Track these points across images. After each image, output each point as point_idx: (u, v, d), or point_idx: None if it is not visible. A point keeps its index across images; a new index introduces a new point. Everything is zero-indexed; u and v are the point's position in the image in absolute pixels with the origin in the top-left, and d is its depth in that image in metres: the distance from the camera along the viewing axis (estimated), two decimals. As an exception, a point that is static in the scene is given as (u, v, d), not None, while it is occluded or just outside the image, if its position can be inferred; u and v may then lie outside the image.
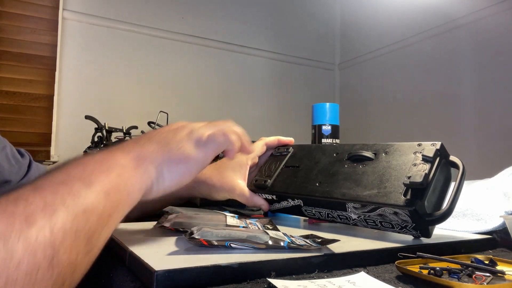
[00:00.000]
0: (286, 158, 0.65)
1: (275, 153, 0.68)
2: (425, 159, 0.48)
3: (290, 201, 0.60)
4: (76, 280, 0.28)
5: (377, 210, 0.49)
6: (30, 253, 0.24)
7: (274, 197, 0.62)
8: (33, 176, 0.63)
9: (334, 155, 0.59)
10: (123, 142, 0.41)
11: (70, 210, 0.28)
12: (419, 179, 0.46)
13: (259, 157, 0.68)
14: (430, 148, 0.50)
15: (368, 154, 0.55)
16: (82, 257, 0.29)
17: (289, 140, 0.68)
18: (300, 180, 0.59)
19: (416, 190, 0.47)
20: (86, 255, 0.29)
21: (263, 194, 0.63)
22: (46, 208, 0.27)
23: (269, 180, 0.63)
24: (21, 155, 0.65)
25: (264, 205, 0.63)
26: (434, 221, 0.47)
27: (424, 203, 0.47)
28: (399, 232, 0.49)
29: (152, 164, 0.39)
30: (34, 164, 0.66)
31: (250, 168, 0.66)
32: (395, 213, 0.48)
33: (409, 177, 0.47)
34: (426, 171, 0.47)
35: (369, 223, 0.51)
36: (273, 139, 0.68)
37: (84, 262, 0.29)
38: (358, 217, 0.52)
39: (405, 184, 0.47)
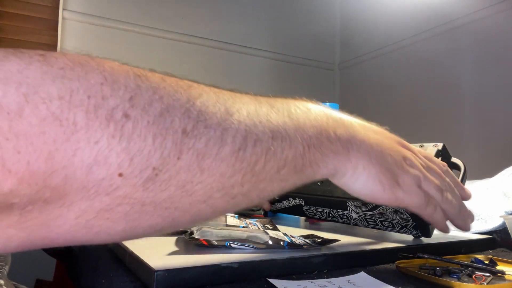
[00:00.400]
0: None
1: None
2: None
3: (291, 200, 0.60)
4: (254, 198, 0.28)
5: (378, 209, 0.49)
6: (219, 128, 0.25)
7: (275, 196, 0.62)
8: None
9: None
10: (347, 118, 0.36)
11: (272, 130, 0.28)
12: None
13: None
14: (432, 149, 0.50)
15: None
16: (265, 185, 0.28)
17: None
18: None
19: None
20: (264, 189, 0.28)
21: None
22: (248, 118, 0.27)
23: None
24: None
25: (266, 205, 0.63)
26: None
27: None
28: (399, 232, 0.49)
29: (361, 160, 0.33)
30: None
31: None
32: (396, 211, 0.48)
33: None
34: None
35: (369, 222, 0.51)
36: None
37: (260, 192, 0.28)
38: (358, 216, 0.52)
39: None
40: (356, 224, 0.54)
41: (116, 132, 0.21)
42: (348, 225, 0.59)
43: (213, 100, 0.26)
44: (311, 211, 0.58)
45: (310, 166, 0.30)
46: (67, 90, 0.20)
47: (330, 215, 0.56)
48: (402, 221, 0.48)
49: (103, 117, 0.20)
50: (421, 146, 0.51)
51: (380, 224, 0.50)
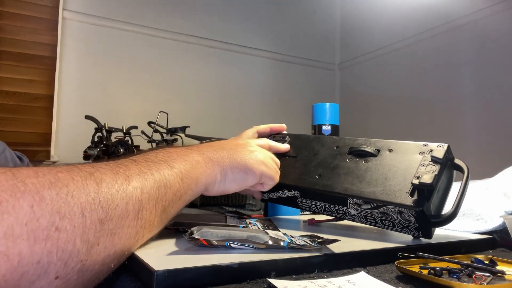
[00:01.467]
0: None
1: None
2: (435, 160, 0.48)
3: (286, 192, 0.58)
4: (146, 239, 0.36)
5: (381, 208, 0.48)
6: (124, 202, 0.31)
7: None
8: None
9: (335, 148, 0.58)
10: (200, 144, 0.51)
11: (156, 181, 0.36)
12: (429, 180, 0.45)
13: None
14: (439, 149, 0.49)
15: (371, 150, 0.54)
16: (158, 221, 0.36)
17: (281, 126, 0.68)
18: (298, 171, 0.58)
19: (424, 191, 0.46)
20: (159, 222, 0.37)
21: None
22: (140, 175, 0.34)
23: None
24: (20, 159, 0.65)
25: (257, 194, 0.61)
26: (439, 223, 0.47)
27: (430, 204, 0.47)
28: (399, 231, 0.49)
29: (219, 166, 0.48)
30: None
31: None
32: (400, 213, 0.47)
33: (418, 177, 0.46)
34: (436, 173, 0.46)
35: (368, 219, 0.51)
36: (264, 127, 0.67)
37: (157, 226, 0.37)
38: (357, 213, 0.51)
39: (413, 184, 0.46)
40: (353, 220, 0.52)
41: (52, 247, 0.25)
42: (348, 226, 0.58)
43: (110, 177, 0.32)
44: (305, 203, 0.57)
45: (187, 192, 0.42)
46: (8, 226, 0.23)
47: (327, 209, 0.54)
48: (405, 221, 0.47)
49: (41, 239, 0.24)
50: (425, 145, 0.51)
51: (380, 222, 0.50)
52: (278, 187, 0.58)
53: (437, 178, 0.46)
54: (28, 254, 0.24)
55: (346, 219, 0.54)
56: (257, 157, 0.52)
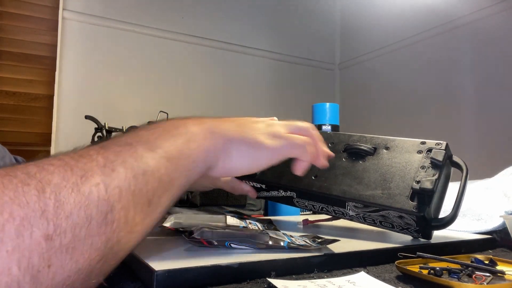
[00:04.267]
0: None
1: None
2: (435, 164, 0.47)
3: (281, 192, 0.57)
4: (133, 241, 0.28)
5: (381, 212, 0.48)
6: (81, 207, 0.24)
7: (263, 186, 0.57)
8: None
9: (329, 145, 0.56)
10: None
11: (129, 171, 0.28)
12: (430, 185, 0.45)
13: None
14: (439, 151, 0.48)
15: (367, 148, 0.53)
16: (141, 218, 0.28)
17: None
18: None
19: (424, 196, 0.45)
20: (145, 217, 0.29)
21: (250, 182, 0.58)
22: (106, 166, 0.27)
23: None
24: (18, 163, 0.65)
25: (251, 192, 0.59)
26: (439, 226, 0.47)
27: (431, 209, 0.47)
28: (398, 232, 0.49)
29: (223, 138, 0.38)
30: None
31: None
32: (400, 217, 0.47)
33: (418, 182, 0.46)
34: (436, 177, 0.46)
35: (367, 220, 0.51)
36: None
37: (144, 223, 0.29)
38: (356, 215, 0.51)
39: (414, 189, 0.46)
40: (351, 219, 0.52)
41: None
42: (348, 226, 0.58)
43: (61, 177, 0.24)
44: (302, 203, 0.56)
45: (181, 176, 0.33)
46: None
47: (324, 209, 0.54)
48: (405, 224, 0.47)
49: None
50: (422, 143, 0.50)
51: (379, 223, 0.50)
52: (273, 187, 0.57)
53: (437, 182, 0.46)
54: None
55: (344, 219, 0.54)
56: (273, 129, 0.43)
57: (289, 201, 0.57)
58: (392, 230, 0.50)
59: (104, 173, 0.26)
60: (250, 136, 0.41)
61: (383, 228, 0.50)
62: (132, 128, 0.33)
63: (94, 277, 0.25)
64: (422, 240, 0.48)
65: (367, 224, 0.51)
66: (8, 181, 0.22)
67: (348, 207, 0.51)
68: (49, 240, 0.22)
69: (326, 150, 0.47)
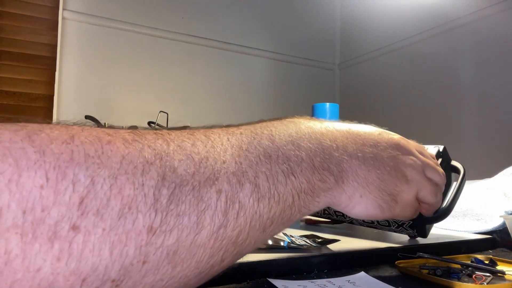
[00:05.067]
0: None
1: None
2: None
3: None
4: (231, 264, 0.24)
5: None
6: (195, 210, 0.21)
7: None
8: None
9: None
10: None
11: (257, 191, 0.24)
12: None
13: None
14: (432, 149, 0.49)
15: None
16: (252, 244, 0.24)
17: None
18: None
19: None
20: (254, 244, 0.24)
21: None
22: (235, 175, 0.23)
23: None
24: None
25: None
26: (431, 220, 0.47)
27: None
28: (395, 231, 0.49)
29: (351, 182, 0.30)
30: None
31: None
32: None
33: None
34: None
35: (365, 220, 0.51)
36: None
37: (250, 248, 0.25)
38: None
39: None
40: (351, 222, 0.53)
41: (62, 253, 0.17)
42: (348, 226, 0.58)
43: (185, 168, 0.21)
44: None
45: (299, 212, 0.27)
46: None
47: (326, 211, 0.55)
48: (400, 220, 0.48)
49: (44, 238, 0.17)
50: None
51: (376, 222, 0.51)
52: None
53: None
54: (20, 256, 0.16)
55: (345, 222, 0.54)
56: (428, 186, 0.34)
57: None
58: (388, 230, 0.50)
59: (230, 183, 0.22)
60: (390, 194, 0.31)
61: (380, 228, 0.51)
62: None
63: None
64: (422, 240, 0.48)
65: (366, 226, 0.52)
66: (131, 152, 0.20)
67: None
68: (152, 234, 0.19)
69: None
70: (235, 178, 0.23)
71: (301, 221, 0.66)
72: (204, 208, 0.21)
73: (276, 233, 0.27)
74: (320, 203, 0.28)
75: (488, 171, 0.80)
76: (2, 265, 0.16)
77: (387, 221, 0.49)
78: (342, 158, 0.29)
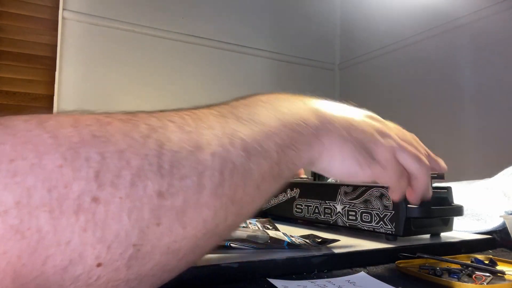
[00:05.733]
0: None
1: None
2: None
3: (288, 191, 0.64)
4: (236, 224, 0.27)
5: (365, 194, 0.51)
6: (195, 172, 0.23)
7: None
8: None
9: None
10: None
11: (246, 149, 0.26)
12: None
13: None
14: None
15: None
16: (248, 201, 0.26)
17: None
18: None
19: None
20: (252, 201, 0.27)
21: None
22: (224, 137, 0.25)
23: None
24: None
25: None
26: (413, 210, 0.46)
27: None
28: (374, 228, 0.49)
29: (328, 135, 0.32)
30: None
31: None
32: (381, 196, 0.49)
33: None
34: None
35: (350, 217, 0.53)
36: None
37: (249, 208, 0.27)
38: (342, 209, 0.54)
39: None
40: (335, 222, 0.55)
41: (87, 224, 0.19)
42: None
43: (179, 138, 0.23)
44: (300, 205, 0.62)
45: (287, 168, 0.29)
46: (23, 191, 0.17)
47: (316, 210, 0.58)
48: (383, 209, 0.48)
49: (70, 211, 0.18)
50: None
51: (359, 218, 0.51)
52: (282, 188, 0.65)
53: None
54: (51, 231, 0.18)
55: (330, 223, 0.56)
56: (392, 135, 0.35)
57: (290, 207, 0.64)
58: (369, 227, 0.50)
59: (222, 145, 0.25)
60: (366, 148, 0.34)
61: (362, 226, 0.51)
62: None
63: (197, 252, 0.25)
64: (422, 240, 0.48)
65: (349, 225, 0.53)
66: (130, 129, 0.22)
67: (339, 197, 0.55)
68: (162, 197, 0.21)
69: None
70: (226, 140, 0.25)
71: (300, 221, 0.66)
72: (202, 170, 0.23)
73: (271, 192, 0.29)
74: (304, 158, 0.31)
75: (488, 171, 0.80)
76: (35, 243, 0.17)
77: (371, 213, 0.50)
78: (318, 115, 0.33)
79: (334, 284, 0.32)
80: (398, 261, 0.38)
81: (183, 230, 0.22)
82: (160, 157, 0.22)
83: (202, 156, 0.23)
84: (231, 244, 0.39)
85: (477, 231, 0.56)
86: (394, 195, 0.37)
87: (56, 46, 2.25)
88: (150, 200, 0.21)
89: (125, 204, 0.20)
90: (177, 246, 0.22)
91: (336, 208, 0.55)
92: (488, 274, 0.36)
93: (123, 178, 0.20)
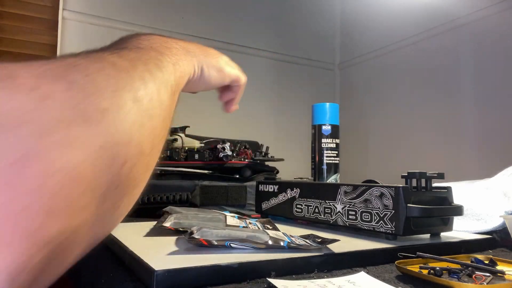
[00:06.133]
0: None
1: None
2: None
3: (288, 191, 0.64)
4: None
5: (365, 194, 0.51)
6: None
7: (275, 188, 0.67)
8: None
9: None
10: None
11: (157, 83, 0.30)
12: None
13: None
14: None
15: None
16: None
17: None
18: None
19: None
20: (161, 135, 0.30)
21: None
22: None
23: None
24: None
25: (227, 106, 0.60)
26: (413, 209, 0.46)
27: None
28: (374, 228, 0.49)
29: (195, 58, 0.44)
30: None
31: None
32: (381, 196, 0.49)
33: None
34: None
35: (350, 216, 0.53)
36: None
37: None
38: (342, 209, 0.54)
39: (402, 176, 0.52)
40: (335, 222, 0.55)
41: (109, 128, 0.23)
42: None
43: (100, 64, 0.27)
44: (300, 205, 0.62)
45: (181, 77, 0.37)
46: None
47: (316, 210, 0.58)
48: (383, 209, 0.48)
49: (95, 120, 0.23)
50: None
51: (359, 218, 0.51)
52: (283, 188, 0.65)
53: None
54: (90, 137, 0.21)
55: (329, 222, 0.56)
56: (226, 59, 0.54)
57: (290, 206, 0.64)
58: (369, 227, 0.50)
59: (145, 65, 0.30)
60: (214, 60, 0.50)
61: (362, 226, 0.51)
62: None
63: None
64: (422, 240, 0.48)
65: (349, 225, 0.53)
66: (84, 63, 0.25)
67: (339, 196, 0.55)
68: (137, 102, 0.26)
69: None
70: (139, 62, 0.30)
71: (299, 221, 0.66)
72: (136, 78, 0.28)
73: (176, 95, 0.36)
74: (189, 67, 0.41)
75: (488, 171, 0.80)
76: (66, 149, 0.20)
77: (371, 212, 0.50)
78: (178, 44, 0.42)
79: (334, 284, 0.32)
80: (398, 261, 0.38)
81: (162, 125, 0.29)
82: (108, 74, 0.26)
83: (137, 73, 0.28)
84: (231, 244, 0.39)
85: (477, 231, 0.56)
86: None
87: (56, 46, 2.25)
88: (133, 104, 0.25)
89: (117, 107, 0.24)
90: (159, 140, 0.29)
91: (336, 208, 0.55)
92: (488, 274, 0.36)
93: (106, 90, 0.24)
